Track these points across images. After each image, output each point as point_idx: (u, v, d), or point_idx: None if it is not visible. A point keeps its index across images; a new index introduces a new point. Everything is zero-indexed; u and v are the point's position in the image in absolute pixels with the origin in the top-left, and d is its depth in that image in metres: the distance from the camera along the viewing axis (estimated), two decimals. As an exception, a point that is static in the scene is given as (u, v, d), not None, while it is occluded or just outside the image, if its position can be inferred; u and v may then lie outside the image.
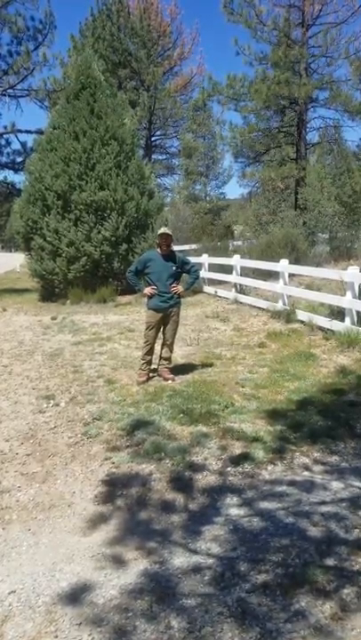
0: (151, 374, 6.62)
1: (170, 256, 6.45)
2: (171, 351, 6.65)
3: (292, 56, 23.24)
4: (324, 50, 23.77)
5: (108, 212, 14.48)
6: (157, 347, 6.64)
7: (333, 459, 4.36)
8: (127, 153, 15.34)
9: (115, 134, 15.04)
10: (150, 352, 6.50)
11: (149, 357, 6.52)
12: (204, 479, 4.05)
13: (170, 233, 6.48)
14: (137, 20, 27.27)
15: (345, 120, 26.46)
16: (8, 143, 22.01)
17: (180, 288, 6.48)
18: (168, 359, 6.63)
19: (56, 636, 2.53)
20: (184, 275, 6.71)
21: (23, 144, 22.03)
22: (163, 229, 6.54)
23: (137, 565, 3.05)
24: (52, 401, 5.87)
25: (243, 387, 6.11)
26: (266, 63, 24.38)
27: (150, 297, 6.41)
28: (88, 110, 15.12)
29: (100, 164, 14.62)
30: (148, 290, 6.41)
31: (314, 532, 3.29)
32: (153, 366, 6.68)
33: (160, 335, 6.59)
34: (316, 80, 24.17)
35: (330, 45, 23.49)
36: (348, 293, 8.15)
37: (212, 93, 25.64)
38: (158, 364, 6.66)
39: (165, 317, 6.46)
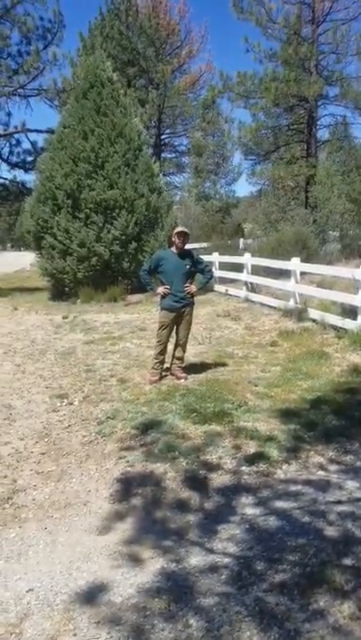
0: (164, 373, 6.63)
1: (184, 255, 6.43)
2: (184, 351, 6.65)
3: (302, 53, 23.14)
4: (335, 47, 23.67)
5: (118, 210, 14.49)
6: (170, 346, 6.64)
7: (348, 458, 4.35)
8: (135, 150, 15.35)
9: (122, 132, 15.06)
10: (163, 352, 6.50)
11: (162, 357, 6.52)
12: (219, 478, 4.05)
13: (187, 232, 6.48)
14: (145, 18, 27.28)
15: (355, 117, 26.39)
16: (18, 143, 22.16)
17: (193, 288, 6.46)
18: (181, 358, 6.63)
19: (75, 635, 2.54)
20: (197, 274, 6.69)
21: (33, 143, 22.15)
22: (180, 228, 6.53)
23: (154, 564, 3.06)
24: (65, 400, 5.90)
25: (255, 386, 6.10)
26: (276, 60, 24.32)
27: (163, 296, 6.41)
28: (95, 109, 15.16)
29: (108, 163, 14.64)
30: (161, 289, 6.40)
31: (330, 531, 3.28)
32: (165, 365, 6.68)
33: (173, 334, 6.59)
34: (325, 77, 24.06)
35: (340, 42, 23.38)
36: (361, 291, 8.11)
37: (222, 90, 25.59)
38: (171, 364, 6.66)
39: (178, 317, 6.45)
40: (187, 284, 6.39)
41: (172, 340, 6.64)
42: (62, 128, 15.66)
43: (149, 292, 6.67)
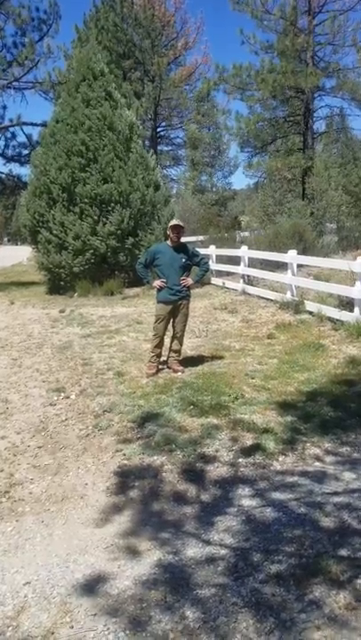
0: (160, 366, 6.63)
1: (180, 248, 6.42)
2: (180, 344, 6.64)
3: (298, 45, 23.01)
4: (331, 38, 23.54)
5: (113, 204, 14.43)
6: (166, 339, 6.63)
7: (345, 449, 4.36)
8: (126, 143, 15.25)
9: (111, 124, 14.96)
10: (160, 345, 6.50)
11: (159, 350, 6.52)
12: (216, 470, 4.06)
13: (182, 224, 6.46)
14: (141, 10, 27.10)
15: (352, 108, 26.32)
16: (14, 136, 22.06)
17: (189, 281, 6.46)
18: (178, 352, 6.62)
19: (72, 627, 2.55)
20: (193, 267, 6.68)
21: (29, 137, 22.07)
22: (174, 221, 6.52)
23: (151, 556, 3.07)
24: (62, 393, 5.90)
25: (252, 378, 6.10)
26: (272, 52, 24.20)
27: (160, 289, 6.40)
28: (85, 101, 15.07)
29: (100, 157, 14.57)
30: (157, 282, 6.39)
31: (326, 522, 3.29)
32: (162, 359, 6.68)
33: (169, 328, 6.58)
34: (322, 68, 23.94)
35: (337, 33, 23.25)
36: (358, 283, 8.09)
37: (218, 82, 25.48)
38: (168, 357, 6.66)
39: (175, 310, 6.44)
40: (183, 277, 6.38)
41: (169, 334, 6.64)
42: (55, 122, 15.57)
43: (146, 285, 6.65)
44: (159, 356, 6.57)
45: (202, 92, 31.08)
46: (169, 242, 6.44)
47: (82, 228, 14.28)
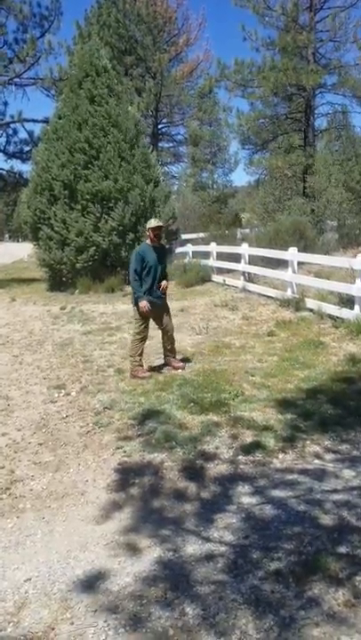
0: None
1: (160, 248, 6.42)
2: (173, 341, 6.55)
3: (299, 41, 22.90)
4: (333, 34, 23.42)
5: (114, 201, 14.43)
6: (148, 341, 6.53)
7: (344, 447, 4.37)
8: (130, 140, 15.23)
9: (117, 122, 14.95)
10: (142, 346, 6.35)
11: (141, 350, 6.35)
12: (216, 468, 4.07)
13: (162, 224, 6.47)
14: (142, 6, 26.96)
15: (354, 106, 26.24)
16: (15, 132, 22.00)
17: (166, 285, 6.40)
18: (173, 350, 6.57)
19: (72, 623, 2.56)
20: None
21: (30, 133, 22.00)
22: (155, 221, 6.40)
23: (151, 553, 3.08)
24: (63, 390, 5.91)
25: (252, 375, 6.11)
26: (273, 49, 24.09)
27: (145, 293, 6.19)
28: (89, 98, 15.05)
29: (102, 154, 14.56)
30: (143, 304, 6.13)
31: (326, 519, 3.30)
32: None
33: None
34: (323, 65, 23.85)
35: (338, 30, 23.13)
36: (358, 281, 8.10)
37: (219, 78, 25.36)
38: (165, 356, 6.63)
39: (157, 311, 6.33)
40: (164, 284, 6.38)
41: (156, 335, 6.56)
42: (57, 118, 15.55)
43: (138, 299, 6.21)
44: (142, 355, 6.38)
45: (203, 89, 30.95)
46: (148, 241, 6.36)
47: (85, 225, 14.28)
